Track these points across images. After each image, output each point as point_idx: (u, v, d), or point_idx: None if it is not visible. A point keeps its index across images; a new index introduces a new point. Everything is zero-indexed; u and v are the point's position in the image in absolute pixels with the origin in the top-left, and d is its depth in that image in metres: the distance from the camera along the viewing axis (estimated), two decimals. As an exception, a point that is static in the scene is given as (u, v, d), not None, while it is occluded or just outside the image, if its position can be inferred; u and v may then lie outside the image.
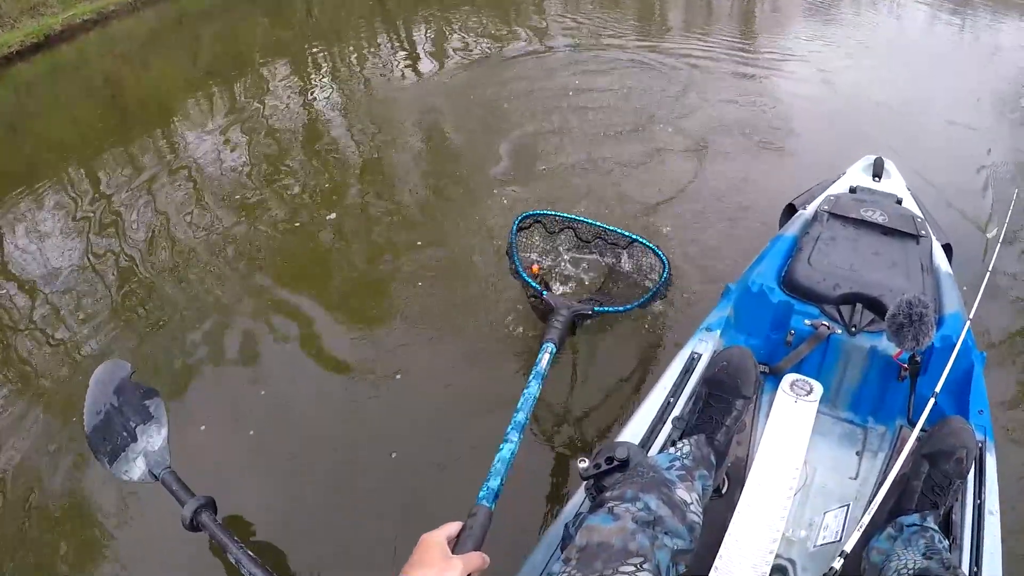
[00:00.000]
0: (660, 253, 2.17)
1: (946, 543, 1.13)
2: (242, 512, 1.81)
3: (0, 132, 4.69)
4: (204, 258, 2.97)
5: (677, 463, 1.12)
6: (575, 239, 2.34)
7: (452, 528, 0.95)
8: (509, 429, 1.34)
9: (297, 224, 3.18)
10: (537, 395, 1.50)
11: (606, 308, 1.98)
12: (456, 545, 0.96)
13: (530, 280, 2.02)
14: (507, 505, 1.18)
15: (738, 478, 1.33)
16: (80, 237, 3.29)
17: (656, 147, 3.66)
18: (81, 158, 4.13)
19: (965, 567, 1.18)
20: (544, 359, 1.63)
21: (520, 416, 1.39)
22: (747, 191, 3.20)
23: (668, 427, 1.37)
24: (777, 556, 1.22)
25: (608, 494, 1.01)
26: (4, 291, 2.96)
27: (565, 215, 2.31)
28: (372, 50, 5.79)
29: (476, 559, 0.90)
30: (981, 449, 1.38)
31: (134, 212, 3.43)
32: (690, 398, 1.41)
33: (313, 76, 5.26)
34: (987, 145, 3.65)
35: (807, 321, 1.55)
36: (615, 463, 1.12)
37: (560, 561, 0.92)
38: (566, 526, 1.11)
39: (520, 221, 2.22)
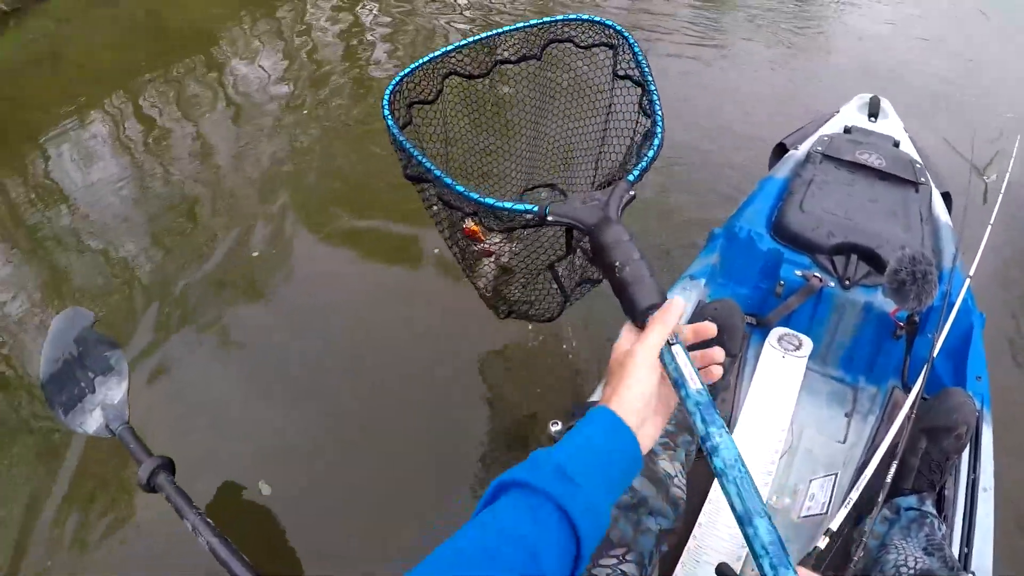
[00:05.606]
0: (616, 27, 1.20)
1: (943, 529, 1.06)
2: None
3: (46, 59, 4.54)
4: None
5: None
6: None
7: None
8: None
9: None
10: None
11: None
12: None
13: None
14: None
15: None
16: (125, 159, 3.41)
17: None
18: (124, 87, 4.13)
19: (956, 545, 1.10)
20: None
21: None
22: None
23: None
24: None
25: None
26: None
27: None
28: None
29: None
30: (978, 420, 1.26)
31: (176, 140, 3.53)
32: None
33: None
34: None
35: (798, 272, 1.42)
36: None
37: None
38: None
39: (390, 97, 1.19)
